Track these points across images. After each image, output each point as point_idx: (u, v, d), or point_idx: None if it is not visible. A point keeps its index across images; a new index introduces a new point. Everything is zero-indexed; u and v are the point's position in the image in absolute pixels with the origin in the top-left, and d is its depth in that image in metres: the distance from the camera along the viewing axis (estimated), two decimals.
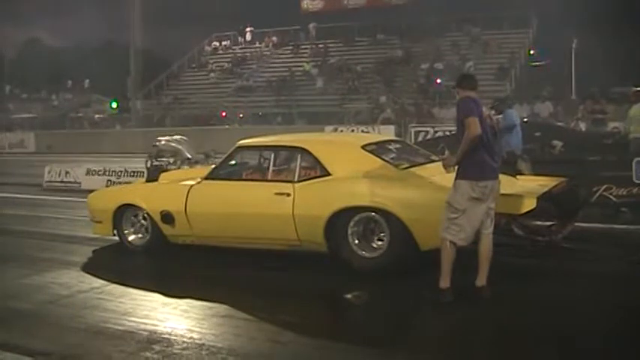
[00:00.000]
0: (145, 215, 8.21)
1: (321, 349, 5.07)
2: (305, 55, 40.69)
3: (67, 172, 16.54)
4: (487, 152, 5.82)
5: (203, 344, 5.09)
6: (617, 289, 6.21)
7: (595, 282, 6.47)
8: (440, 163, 6.47)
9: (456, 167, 5.87)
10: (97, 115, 45.24)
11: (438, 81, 31.89)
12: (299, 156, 7.42)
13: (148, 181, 9.47)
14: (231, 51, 44.10)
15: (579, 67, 32.65)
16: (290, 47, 42.20)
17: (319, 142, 8.23)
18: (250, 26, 44.73)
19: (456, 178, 5.86)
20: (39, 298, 6.54)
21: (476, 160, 5.75)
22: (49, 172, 16.82)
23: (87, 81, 52.61)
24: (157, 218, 8.05)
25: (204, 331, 5.42)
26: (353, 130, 24.93)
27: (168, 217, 7.95)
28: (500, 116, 10.78)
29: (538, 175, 8.25)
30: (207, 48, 45.40)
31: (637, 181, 9.50)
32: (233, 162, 8.14)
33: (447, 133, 18.23)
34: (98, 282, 7.07)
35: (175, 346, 5.06)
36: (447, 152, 6.01)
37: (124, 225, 8.41)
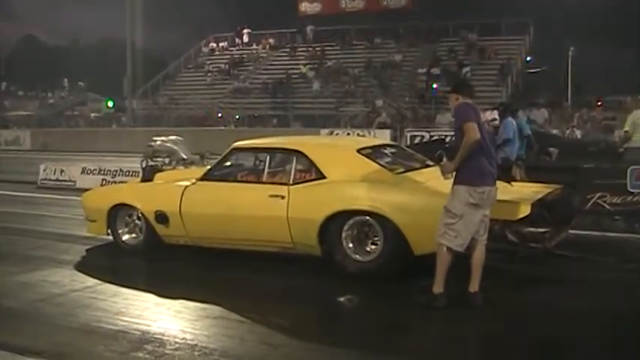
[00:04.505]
0: (140, 215, 8.19)
1: (313, 351, 5.06)
2: (302, 57, 40.69)
3: (62, 171, 16.49)
4: (486, 158, 5.80)
5: (195, 345, 5.08)
6: (610, 296, 6.22)
7: (588, 289, 6.48)
8: (435, 168, 6.47)
9: (454, 173, 5.87)
10: (92, 114, 45.30)
11: (435, 86, 31.94)
12: (294, 159, 7.41)
13: (142, 181, 9.45)
14: (228, 52, 44.08)
15: (575, 74, 32.77)
16: (287, 49, 42.23)
17: (315, 145, 8.23)
18: (247, 28, 44.76)
19: (454, 184, 5.83)
20: (30, 297, 6.51)
21: (474, 166, 5.73)
22: (44, 170, 16.78)
23: (82, 80, 52.64)
24: (151, 218, 8.03)
25: (196, 332, 5.40)
26: (349, 134, 24.96)
27: (162, 218, 7.93)
28: (498, 122, 10.80)
29: (532, 181, 8.26)
30: (204, 49, 45.39)
31: (631, 190, 9.50)
32: (228, 163, 8.12)
33: (443, 137, 18.21)
34: (91, 281, 7.05)
35: (167, 347, 5.05)
36: (444, 159, 5.98)
37: (118, 224, 8.38)
